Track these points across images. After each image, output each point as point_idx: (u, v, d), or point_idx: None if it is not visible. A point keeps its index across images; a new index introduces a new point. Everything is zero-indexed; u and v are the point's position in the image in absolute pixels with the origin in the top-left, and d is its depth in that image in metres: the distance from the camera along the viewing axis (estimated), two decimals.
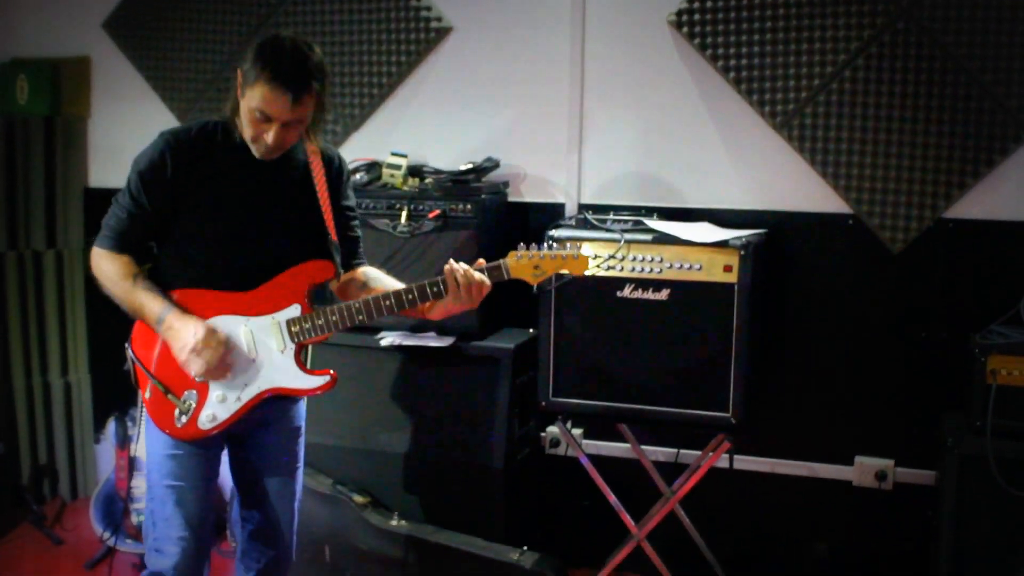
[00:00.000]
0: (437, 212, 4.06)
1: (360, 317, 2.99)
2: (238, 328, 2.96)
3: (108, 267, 2.96)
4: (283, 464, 3.20)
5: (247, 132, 2.90)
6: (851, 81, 3.97)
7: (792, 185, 4.10)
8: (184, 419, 2.96)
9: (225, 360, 2.91)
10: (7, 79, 4.99)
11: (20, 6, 5.07)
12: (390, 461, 4.14)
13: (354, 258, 3.23)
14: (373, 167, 4.36)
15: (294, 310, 2.99)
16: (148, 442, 3.05)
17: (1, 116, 4.94)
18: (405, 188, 4.24)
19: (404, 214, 4.10)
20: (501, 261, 2.98)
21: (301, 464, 3.26)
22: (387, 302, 2.98)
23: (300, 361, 3.02)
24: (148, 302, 2.92)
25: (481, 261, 2.99)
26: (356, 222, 3.25)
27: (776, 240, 4.03)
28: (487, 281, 2.95)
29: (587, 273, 3.01)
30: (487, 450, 4.03)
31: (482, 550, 3.91)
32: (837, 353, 4.12)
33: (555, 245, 3.01)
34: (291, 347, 2.99)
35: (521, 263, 2.97)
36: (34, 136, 4.92)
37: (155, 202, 2.92)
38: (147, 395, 3.00)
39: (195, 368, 2.87)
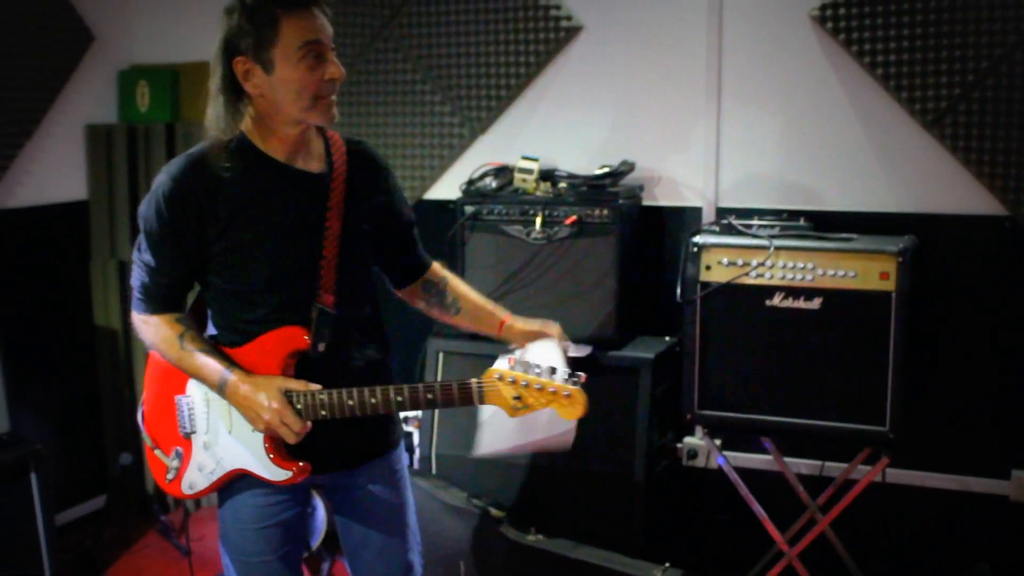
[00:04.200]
0: (574, 218, 3.94)
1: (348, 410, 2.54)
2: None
3: (151, 334, 2.60)
4: (384, 516, 2.82)
5: (303, 98, 2.45)
6: (1008, 76, 3.76)
7: (944, 186, 3.92)
8: (171, 476, 2.68)
9: (304, 429, 2.52)
10: (128, 86, 4.98)
11: (139, 13, 5.05)
12: (526, 474, 4.04)
13: (419, 265, 2.88)
14: (502, 171, 4.26)
15: None
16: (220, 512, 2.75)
17: (123, 123, 4.94)
18: (538, 193, 4.12)
19: (539, 220, 3.99)
20: (475, 382, 2.44)
21: (409, 509, 2.88)
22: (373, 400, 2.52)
23: (270, 444, 2.57)
24: (204, 364, 2.54)
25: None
26: (413, 228, 2.86)
27: (927, 244, 3.85)
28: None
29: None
30: (627, 462, 3.91)
31: (623, 566, 3.76)
32: (992, 361, 3.92)
33: (555, 373, 2.40)
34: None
35: (501, 388, 2.41)
36: (155, 143, 4.88)
37: (172, 253, 2.53)
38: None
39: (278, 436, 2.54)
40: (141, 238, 2.57)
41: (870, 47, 3.90)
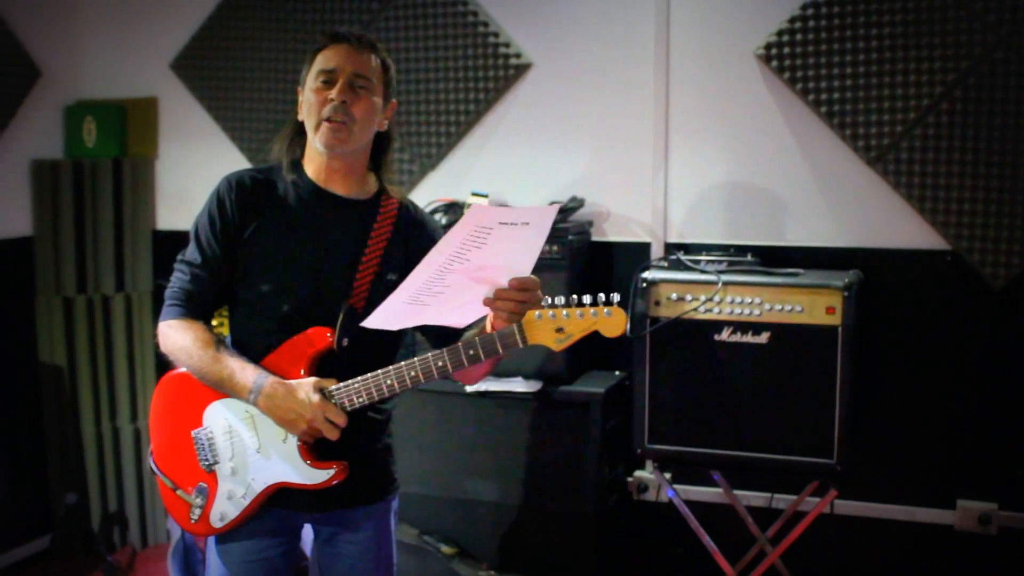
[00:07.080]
0: None
1: (386, 390, 2.55)
2: (240, 410, 2.60)
3: (181, 338, 2.60)
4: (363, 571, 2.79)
5: (312, 116, 2.61)
6: (948, 114, 3.85)
7: (887, 222, 3.99)
8: (196, 515, 2.66)
9: (344, 423, 2.53)
10: (75, 121, 4.94)
11: (86, 48, 5.02)
12: (478, 509, 4.03)
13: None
14: (452, 207, 4.27)
15: None
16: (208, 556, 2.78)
17: (69, 159, 4.90)
18: None
19: None
20: (515, 326, 2.42)
21: (388, 568, 2.84)
22: (412, 373, 2.51)
23: (305, 450, 2.58)
24: (237, 370, 2.55)
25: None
26: None
27: (871, 279, 3.91)
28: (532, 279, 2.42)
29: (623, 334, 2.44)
30: (578, 496, 3.93)
31: None
32: (937, 393, 3.99)
33: (583, 300, 2.41)
34: (293, 436, 2.58)
35: (541, 324, 2.41)
36: (102, 178, 4.85)
37: (221, 250, 2.62)
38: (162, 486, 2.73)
39: (319, 435, 2.53)
40: (196, 231, 2.67)
41: (814, 85, 3.97)
